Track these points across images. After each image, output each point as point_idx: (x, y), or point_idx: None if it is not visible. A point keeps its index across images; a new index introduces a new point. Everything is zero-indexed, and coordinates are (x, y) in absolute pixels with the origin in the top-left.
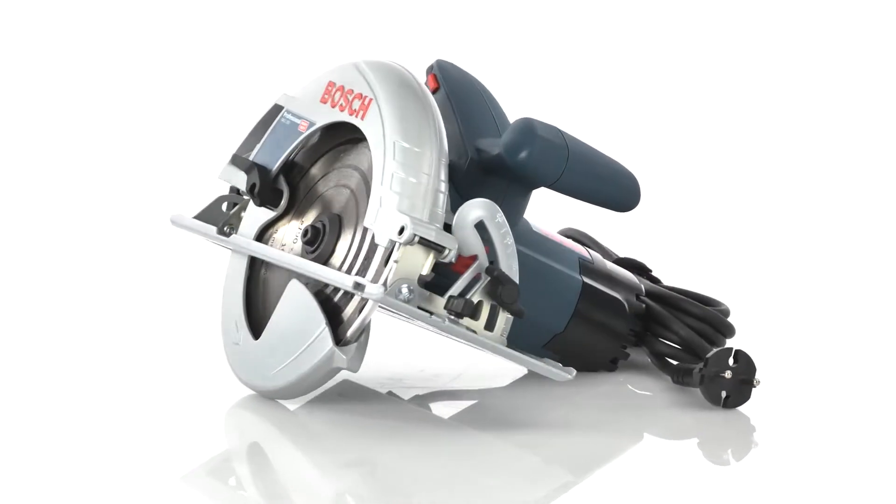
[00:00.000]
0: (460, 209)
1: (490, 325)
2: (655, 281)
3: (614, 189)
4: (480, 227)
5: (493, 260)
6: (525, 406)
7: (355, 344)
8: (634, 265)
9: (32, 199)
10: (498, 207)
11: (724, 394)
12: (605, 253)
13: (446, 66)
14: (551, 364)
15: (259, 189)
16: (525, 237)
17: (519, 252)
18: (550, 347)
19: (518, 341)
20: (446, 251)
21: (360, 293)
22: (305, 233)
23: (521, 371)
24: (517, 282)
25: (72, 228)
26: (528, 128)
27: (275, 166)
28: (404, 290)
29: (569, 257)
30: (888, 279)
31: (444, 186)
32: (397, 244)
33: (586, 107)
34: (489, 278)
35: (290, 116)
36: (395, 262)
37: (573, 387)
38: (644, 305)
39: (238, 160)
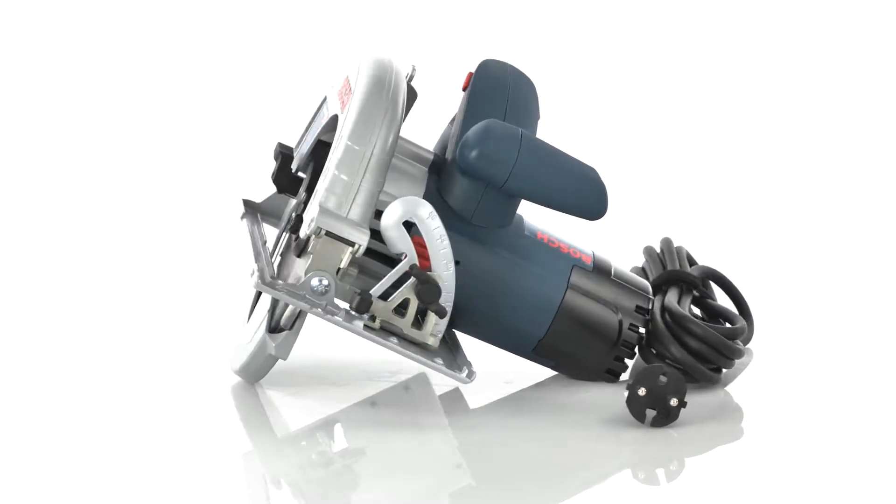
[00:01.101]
0: (387, 207)
1: (418, 324)
2: (703, 297)
3: (572, 197)
4: (410, 225)
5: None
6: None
7: (286, 332)
8: (680, 278)
9: (32, 200)
10: (429, 206)
11: (649, 413)
12: (675, 262)
13: (489, 64)
14: (448, 366)
15: (275, 176)
16: (506, 240)
17: (495, 255)
18: (539, 353)
19: (506, 344)
20: (356, 246)
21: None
22: (290, 221)
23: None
24: (452, 281)
25: (71, 229)
26: (478, 130)
27: (305, 154)
28: (314, 282)
29: (558, 263)
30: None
31: (376, 184)
32: (310, 236)
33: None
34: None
35: (324, 108)
36: (310, 253)
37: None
38: (645, 318)
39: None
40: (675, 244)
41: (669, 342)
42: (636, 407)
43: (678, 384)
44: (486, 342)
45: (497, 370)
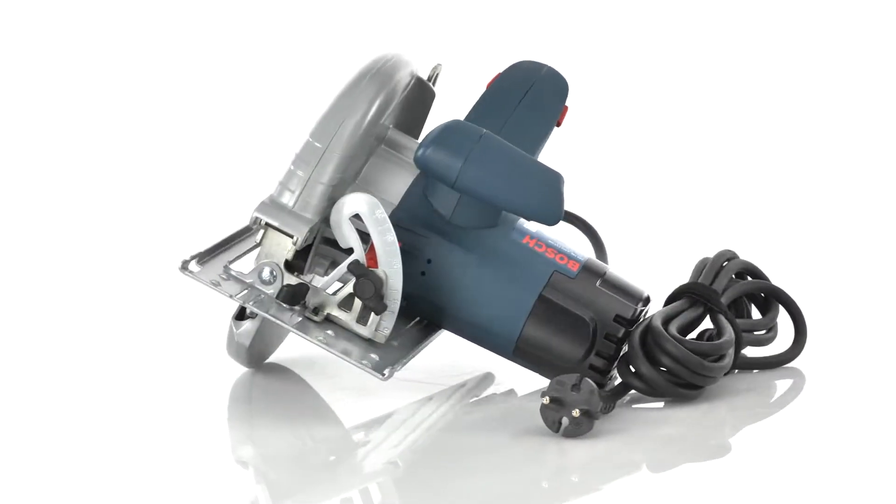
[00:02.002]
0: (337, 202)
1: (363, 320)
2: (716, 312)
3: (524, 200)
4: (358, 220)
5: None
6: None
7: (249, 320)
8: (693, 291)
9: (33, 201)
10: (375, 202)
11: (564, 421)
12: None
13: (519, 65)
14: (368, 364)
15: None
16: (486, 241)
17: (470, 256)
18: (517, 356)
19: (487, 345)
20: (294, 238)
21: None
22: None
23: None
24: (397, 279)
25: (70, 231)
26: (436, 129)
27: None
28: (265, 272)
29: (537, 267)
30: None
31: (328, 179)
32: (255, 228)
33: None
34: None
35: None
36: (258, 244)
37: None
38: (624, 328)
39: None
40: (735, 258)
41: (636, 357)
42: (548, 415)
43: (589, 395)
44: (471, 342)
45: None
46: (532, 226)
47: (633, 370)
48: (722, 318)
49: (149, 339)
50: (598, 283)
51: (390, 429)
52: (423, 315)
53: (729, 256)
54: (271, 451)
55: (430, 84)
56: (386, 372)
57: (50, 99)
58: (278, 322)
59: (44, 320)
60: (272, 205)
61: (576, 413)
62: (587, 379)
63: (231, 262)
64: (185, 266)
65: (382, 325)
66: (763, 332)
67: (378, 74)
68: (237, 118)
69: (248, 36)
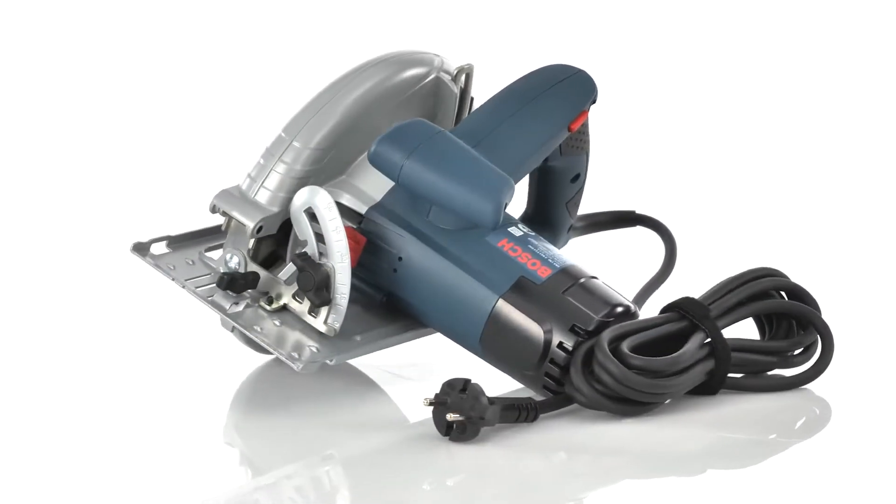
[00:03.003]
0: (296, 194)
1: (314, 312)
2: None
3: (461, 202)
4: (311, 213)
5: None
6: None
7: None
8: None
9: (31, 199)
10: (326, 197)
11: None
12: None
13: (551, 67)
14: (287, 352)
15: None
16: (459, 242)
17: (438, 255)
18: (483, 356)
19: (461, 344)
20: (249, 227)
21: None
22: None
23: None
24: (345, 274)
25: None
26: (391, 127)
27: None
28: (233, 260)
29: (504, 272)
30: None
31: (292, 172)
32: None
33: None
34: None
35: None
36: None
37: None
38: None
39: None
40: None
41: (575, 372)
42: (438, 417)
43: (474, 401)
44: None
45: None
46: (518, 230)
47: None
48: (697, 335)
49: (149, 333)
50: (564, 291)
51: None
52: (403, 311)
53: (760, 274)
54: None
55: (456, 84)
56: (301, 363)
57: (48, 97)
58: (209, 307)
59: (43, 318)
60: (233, 193)
61: (450, 417)
62: (474, 384)
63: (209, 249)
64: (136, 247)
65: (331, 318)
66: (791, 353)
67: (362, 73)
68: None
69: (271, 34)
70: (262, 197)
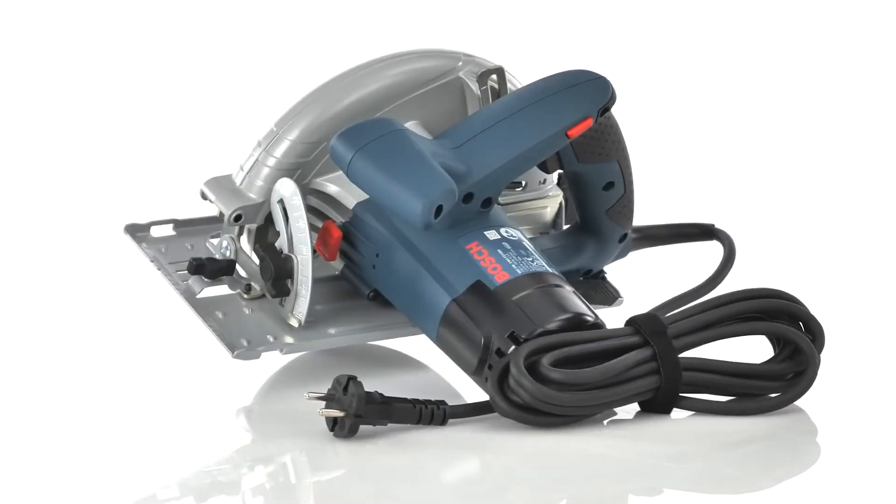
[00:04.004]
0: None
1: (282, 302)
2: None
3: (395, 201)
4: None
5: None
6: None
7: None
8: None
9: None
10: (293, 189)
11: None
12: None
13: (572, 72)
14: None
15: None
16: (429, 242)
17: (407, 254)
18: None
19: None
20: (221, 214)
21: None
22: None
23: None
24: (306, 266)
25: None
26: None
27: None
28: (223, 244)
29: (462, 275)
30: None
31: (276, 163)
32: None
33: None
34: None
35: None
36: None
37: None
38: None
39: None
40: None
41: (491, 384)
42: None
43: (351, 399)
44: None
45: None
46: (498, 233)
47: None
48: (641, 351)
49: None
50: (515, 297)
51: None
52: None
53: (754, 295)
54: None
55: (483, 84)
56: (239, 350)
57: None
58: (176, 290)
59: (42, 314)
60: (222, 181)
61: (321, 412)
62: (357, 382)
63: (214, 235)
64: (128, 229)
65: (296, 309)
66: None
67: (364, 69)
68: None
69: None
70: (246, 186)
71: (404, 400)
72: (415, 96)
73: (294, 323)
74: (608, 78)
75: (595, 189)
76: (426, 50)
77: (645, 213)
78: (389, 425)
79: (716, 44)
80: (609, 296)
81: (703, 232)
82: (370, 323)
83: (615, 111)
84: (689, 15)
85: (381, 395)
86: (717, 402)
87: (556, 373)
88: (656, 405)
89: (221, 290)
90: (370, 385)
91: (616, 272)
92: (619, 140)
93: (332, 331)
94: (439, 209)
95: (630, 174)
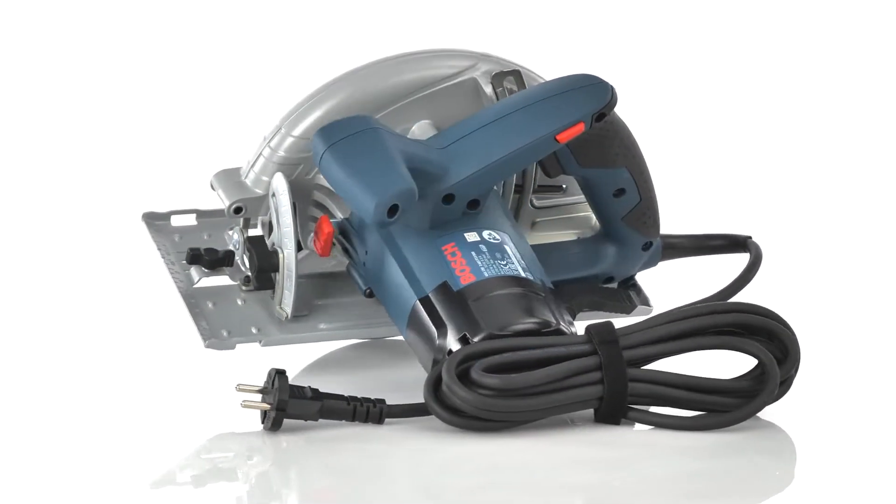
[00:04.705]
0: None
1: (272, 296)
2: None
3: (351, 197)
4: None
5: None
6: None
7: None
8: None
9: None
10: (283, 184)
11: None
12: None
13: (577, 76)
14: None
15: None
16: (409, 242)
17: (387, 252)
18: None
19: None
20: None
21: None
22: None
23: None
24: (290, 260)
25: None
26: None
27: None
28: (236, 236)
29: (431, 276)
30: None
31: (277, 157)
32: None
33: None
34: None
35: None
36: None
37: None
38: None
39: None
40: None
41: (426, 389)
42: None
43: (277, 393)
44: None
45: None
46: (477, 235)
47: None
48: (585, 359)
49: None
50: (475, 300)
51: None
52: None
53: (724, 309)
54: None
55: (499, 87)
56: (211, 340)
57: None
58: (172, 278)
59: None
60: (230, 173)
61: (242, 405)
62: (282, 376)
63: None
64: (146, 217)
65: (283, 302)
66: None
67: (370, 68)
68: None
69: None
70: (250, 179)
71: (339, 397)
72: (425, 95)
73: (279, 316)
74: (610, 83)
75: (604, 195)
76: (441, 49)
77: (682, 223)
78: (321, 421)
79: (753, 57)
80: (626, 305)
81: (732, 244)
82: (365, 320)
83: (632, 120)
84: (723, 23)
85: (313, 390)
86: (666, 415)
87: (488, 378)
88: (604, 415)
89: (224, 280)
90: (365, 383)
91: (651, 280)
92: (627, 147)
93: (322, 326)
94: (394, 208)
95: (646, 182)
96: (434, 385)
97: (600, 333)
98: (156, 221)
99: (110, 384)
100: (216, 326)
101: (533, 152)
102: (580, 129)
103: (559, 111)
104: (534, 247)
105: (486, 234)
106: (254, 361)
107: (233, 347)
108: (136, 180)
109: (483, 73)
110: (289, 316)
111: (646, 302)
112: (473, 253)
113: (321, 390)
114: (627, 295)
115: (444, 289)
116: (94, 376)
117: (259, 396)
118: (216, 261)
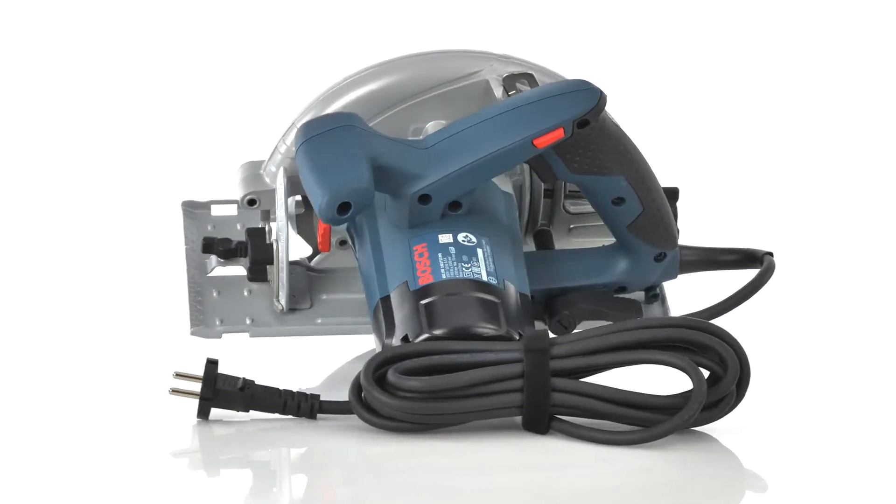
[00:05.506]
0: None
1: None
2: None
3: (309, 192)
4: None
5: None
6: None
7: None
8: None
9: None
10: (282, 180)
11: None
12: None
13: (568, 81)
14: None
15: None
16: (387, 239)
17: (366, 249)
18: None
19: None
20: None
21: None
22: None
23: None
24: (283, 253)
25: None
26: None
27: None
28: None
29: (393, 275)
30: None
31: (287, 151)
32: None
33: None
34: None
35: None
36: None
37: None
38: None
39: None
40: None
41: (351, 394)
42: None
43: (205, 382)
44: None
45: None
46: (451, 237)
47: None
48: (509, 366)
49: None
50: (425, 302)
51: None
52: None
53: (665, 323)
54: None
55: (508, 88)
56: (197, 327)
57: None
58: (187, 264)
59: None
60: (254, 165)
61: (169, 392)
62: (211, 365)
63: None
64: (186, 205)
65: (280, 294)
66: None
67: (381, 67)
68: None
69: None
70: (266, 173)
71: (272, 390)
72: (437, 94)
73: (275, 308)
74: (601, 90)
75: (603, 203)
76: (457, 49)
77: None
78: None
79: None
80: (631, 316)
81: (745, 259)
82: (363, 317)
83: (632, 129)
84: (748, 33)
85: (245, 381)
86: (587, 428)
87: (404, 381)
88: (528, 423)
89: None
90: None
91: (679, 291)
92: (621, 154)
93: (319, 320)
94: (345, 206)
95: (648, 192)
96: (358, 386)
97: (530, 341)
98: (195, 210)
99: (99, 371)
100: (212, 315)
101: (510, 156)
102: (559, 134)
103: (538, 116)
104: (553, 253)
105: (461, 236)
106: (242, 351)
107: (219, 336)
108: (183, 169)
109: (496, 74)
110: (284, 308)
111: (665, 314)
112: (440, 254)
113: (259, 383)
114: (638, 306)
115: (402, 288)
116: (85, 363)
117: (197, 385)
118: (229, 251)
